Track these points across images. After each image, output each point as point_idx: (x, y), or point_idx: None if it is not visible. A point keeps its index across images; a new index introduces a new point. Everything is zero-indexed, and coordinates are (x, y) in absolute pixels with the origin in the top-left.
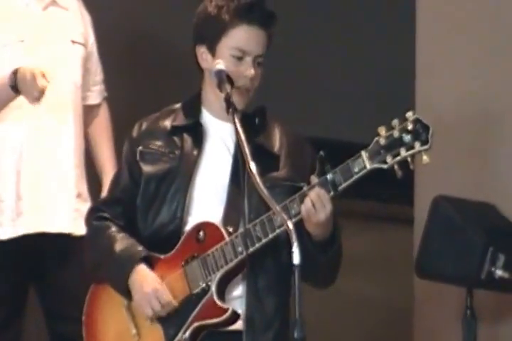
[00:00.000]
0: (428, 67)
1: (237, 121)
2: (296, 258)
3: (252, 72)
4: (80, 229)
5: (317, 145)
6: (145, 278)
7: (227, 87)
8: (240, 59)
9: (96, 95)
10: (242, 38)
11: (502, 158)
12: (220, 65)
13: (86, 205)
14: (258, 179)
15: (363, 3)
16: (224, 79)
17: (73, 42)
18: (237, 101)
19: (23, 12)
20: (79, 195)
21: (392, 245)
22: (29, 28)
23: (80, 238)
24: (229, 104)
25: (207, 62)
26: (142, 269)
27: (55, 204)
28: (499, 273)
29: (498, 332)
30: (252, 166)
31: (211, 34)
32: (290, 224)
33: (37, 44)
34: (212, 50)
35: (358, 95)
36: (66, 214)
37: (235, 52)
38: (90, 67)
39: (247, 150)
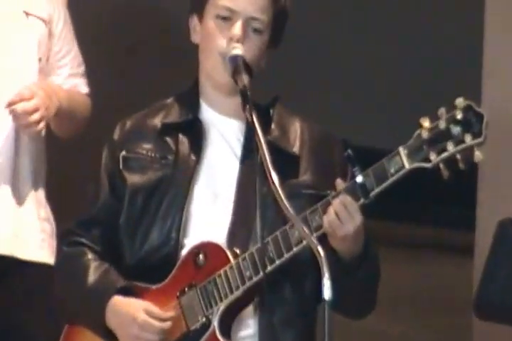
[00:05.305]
0: (495, 67)
1: (255, 119)
2: (327, 293)
3: (236, 31)
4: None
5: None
6: (124, 314)
7: (244, 78)
8: (226, 19)
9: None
10: None
11: None
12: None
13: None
14: (281, 193)
15: None
16: (240, 66)
17: (27, 13)
18: (223, 75)
19: None
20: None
21: (445, 279)
22: None
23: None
24: (245, 99)
25: (197, 34)
26: (117, 303)
27: None
28: None
29: None
30: (275, 177)
31: None
32: (321, 250)
33: None
34: (201, 17)
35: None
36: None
37: (220, 11)
38: (57, 50)
39: (267, 158)
